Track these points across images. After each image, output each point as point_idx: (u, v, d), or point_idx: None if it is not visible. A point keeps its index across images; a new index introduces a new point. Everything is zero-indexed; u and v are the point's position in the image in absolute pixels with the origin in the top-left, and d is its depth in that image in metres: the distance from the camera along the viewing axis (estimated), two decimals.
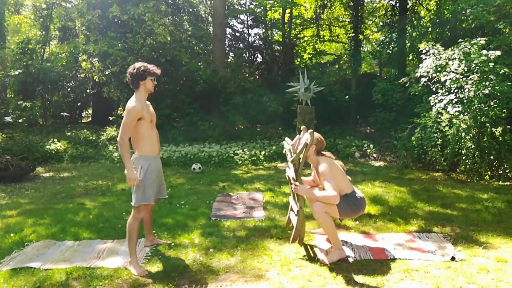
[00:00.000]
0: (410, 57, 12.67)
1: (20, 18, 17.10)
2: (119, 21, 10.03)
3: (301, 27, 16.78)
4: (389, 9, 13.98)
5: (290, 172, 3.44)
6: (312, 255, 3.26)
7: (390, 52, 12.94)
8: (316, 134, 3.34)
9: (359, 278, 2.82)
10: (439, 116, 6.45)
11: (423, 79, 6.78)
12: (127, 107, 3.03)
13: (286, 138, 3.84)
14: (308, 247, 3.43)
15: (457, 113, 6.08)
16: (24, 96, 10.93)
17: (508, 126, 5.75)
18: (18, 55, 11.96)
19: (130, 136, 3.02)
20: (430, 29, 10.92)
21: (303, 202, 3.32)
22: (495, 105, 5.74)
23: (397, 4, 13.17)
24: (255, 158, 8.13)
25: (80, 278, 2.90)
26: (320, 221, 3.15)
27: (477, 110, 5.75)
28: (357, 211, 3.27)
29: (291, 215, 3.65)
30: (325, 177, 3.13)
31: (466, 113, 5.94)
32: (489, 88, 5.62)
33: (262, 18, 15.86)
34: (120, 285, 2.80)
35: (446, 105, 6.24)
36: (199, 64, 11.42)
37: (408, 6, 12.94)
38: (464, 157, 5.95)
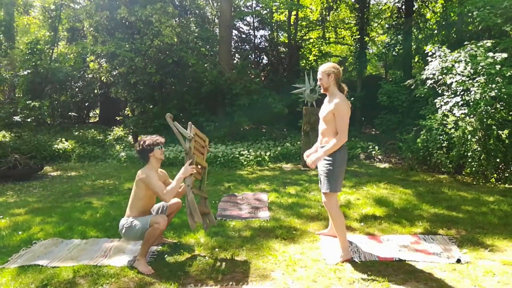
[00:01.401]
0: (416, 59, 12.64)
1: (29, 19, 17.31)
2: (127, 23, 10.11)
3: (307, 29, 16.80)
4: (395, 11, 13.94)
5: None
6: (317, 255, 3.27)
7: (396, 54, 12.92)
8: (330, 64, 3.23)
9: (364, 279, 2.82)
10: (445, 118, 6.42)
11: (429, 81, 6.76)
12: (139, 175, 3.12)
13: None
14: (313, 247, 3.44)
15: (463, 116, 6.05)
16: (33, 96, 11.05)
17: None
18: (27, 55, 12.11)
19: (162, 188, 3.08)
20: (436, 31, 10.89)
21: (190, 182, 3.17)
22: (502, 108, 5.71)
23: (403, 6, 13.14)
24: (260, 159, 8.15)
25: (87, 276, 2.94)
26: (332, 215, 3.17)
27: (483, 113, 5.72)
28: (342, 169, 3.22)
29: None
30: (341, 115, 3.07)
31: (472, 116, 5.91)
32: (496, 91, 5.59)
33: (268, 20, 15.90)
34: (127, 283, 2.83)
35: (452, 108, 6.21)
36: (206, 65, 11.47)
37: (414, 8, 12.90)
38: (470, 160, 5.92)
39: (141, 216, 3.17)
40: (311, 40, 16.96)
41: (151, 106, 10.60)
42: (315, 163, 3.19)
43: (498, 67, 5.59)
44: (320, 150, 3.23)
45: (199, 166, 3.33)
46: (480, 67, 5.77)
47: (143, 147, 3.15)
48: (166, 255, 3.31)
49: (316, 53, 16.41)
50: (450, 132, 6.25)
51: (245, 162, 7.95)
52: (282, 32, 17.07)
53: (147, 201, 3.21)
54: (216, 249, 3.41)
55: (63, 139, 9.94)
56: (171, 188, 3.08)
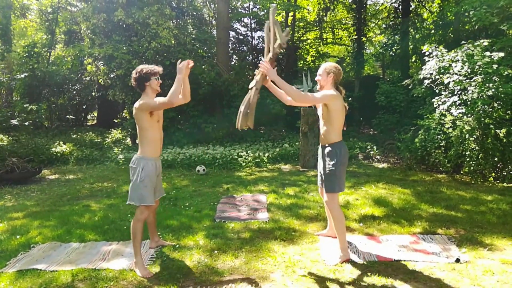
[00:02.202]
0: (413, 59, 12.68)
1: (26, 22, 17.29)
2: (124, 25, 10.11)
3: (304, 29, 16.84)
4: (392, 11, 13.99)
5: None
6: (316, 256, 3.26)
7: (393, 54, 12.95)
8: (333, 64, 3.26)
9: (363, 280, 2.82)
10: (443, 117, 6.43)
11: (426, 81, 6.78)
12: (139, 103, 3.06)
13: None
14: (312, 248, 3.44)
15: (460, 115, 6.06)
16: (30, 99, 11.05)
17: None
18: (24, 58, 12.09)
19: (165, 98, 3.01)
20: (433, 31, 10.92)
21: (261, 84, 3.13)
22: (499, 107, 5.73)
23: (400, 7, 13.18)
24: (258, 160, 8.15)
25: (85, 279, 2.93)
26: (334, 214, 3.17)
27: (481, 112, 5.74)
28: (344, 167, 3.23)
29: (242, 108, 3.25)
30: (323, 93, 3.08)
31: (469, 115, 5.92)
32: (493, 90, 5.60)
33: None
34: (126, 286, 2.82)
35: (450, 107, 6.23)
36: (203, 67, 11.48)
37: (411, 8, 12.94)
38: (468, 159, 5.93)
39: (154, 152, 3.12)
40: (309, 41, 17.00)
41: None
42: (268, 72, 3.09)
43: (495, 66, 5.61)
44: (320, 150, 3.26)
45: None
46: (477, 67, 5.78)
47: (140, 75, 3.09)
48: (165, 258, 3.29)
49: (314, 54, 16.46)
50: (448, 132, 6.26)
51: (244, 164, 7.94)
52: None
53: (155, 132, 3.13)
54: (215, 251, 3.40)
55: (61, 142, 9.92)
56: (172, 90, 2.98)
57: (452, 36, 10.11)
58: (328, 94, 3.11)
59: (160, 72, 3.18)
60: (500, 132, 5.65)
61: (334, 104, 3.13)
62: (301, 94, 3.15)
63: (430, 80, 6.68)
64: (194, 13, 14.06)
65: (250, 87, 3.16)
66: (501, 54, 5.70)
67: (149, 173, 3.09)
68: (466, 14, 7.49)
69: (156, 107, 3.06)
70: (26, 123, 8.66)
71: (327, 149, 3.22)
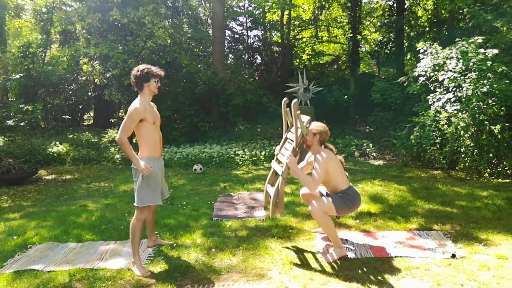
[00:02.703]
0: (408, 57, 12.72)
1: (21, 22, 17.19)
2: (119, 24, 10.07)
3: (300, 28, 16.85)
4: (387, 9, 14.03)
5: (283, 150, 3.45)
6: (313, 254, 3.28)
7: (388, 52, 13.01)
8: (319, 124, 3.34)
9: (360, 276, 2.84)
10: (438, 114, 6.47)
11: (421, 78, 6.81)
12: (129, 109, 3.04)
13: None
14: (309, 246, 3.45)
15: (455, 112, 6.10)
16: (26, 100, 10.97)
17: (507, 124, 5.76)
18: (19, 59, 12.01)
19: (128, 136, 3.02)
20: (427, 28, 10.97)
21: (287, 173, 3.26)
22: (494, 103, 5.77)
23: (395, 4, 13.22)
24: (255, 158, 8.16)
25: (83, 279, 2.93)
26: (319, 221, 3.17)
27: (476, 108, 5.78)
28: (352, 207, 3.30)
29: (268, 189, 3.52)
30: (318, 166, 3.16)
31: (464, 112, 5.96)
32: (487, 86, 5.64)
33: (261, 20, 15.91)
34: (123, 286, 2.83)
35: (445, 104, 6.26)
36: (199, 66, 11.46)
37: (405, 6, 12.98)
38: (463, 155, 5.97)
39: (154, 152, 3.12)
40: (304, 39, 17.01)
41: None
42: (289, 163, 3.23)
43: (489, 63, 5.64)
44: (297, 168, 3.27)
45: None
46: (471, 64, 5.82)
47: (141, 74, 3.07)
48: (163, 257, 3.30)
49: (309, 52, 16.47)
50: (443, 128, 6.30)
51: (241, 162, 7.95)
52: (275, 32, 17.10)
53: (151, 134, 3.12)
54: (213, 250, 3.41)
55: (57, 143, 9.88)
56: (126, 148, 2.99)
57: (446, 33, 10.15)
58: (324, 164, 3.16)
59: (161, 75, 3.16)
60: (495, 128, 5.69)
61: (330, 167, 3.21)
62: (311, 183, 3.16)
63: (425, 77, 6.71)
64: (190, 12, 14.02)
65: (279, 173, 3.30)
66: (495, 51, 5.74)
67: (153, 173, 3.06)
68: (460, 11, 7.53)
69: (124, 128, 3.01)
70: (22, 124, 8.61)
71: (339, 195, 3.27)
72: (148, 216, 3.34)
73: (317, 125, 3.33)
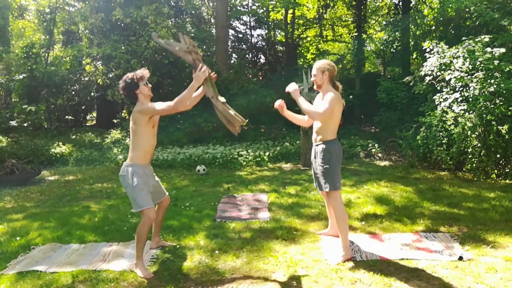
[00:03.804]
0: (414, 56, 12.62)
1: (24, 23, 17.25)
2: (122, 24, 10.08)
3: (304, 27, 16.80)
4: (392, 7, 13.95)
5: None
6: (318, 256, 3.23)
7: (394, 51, 12.91)
8: (325, 61, 3.23)
9: (365, 279, 2.80)
10: (444, 114, 6.40)
11: (428, 78, 6.74)
12: (136, 108, 2.98)
13: None
14: (314, 248, 3.41)
15: (462, 112, 6.03)
16: (29, 100, 11.01)
17: None
18: (23, 59, 12.06)
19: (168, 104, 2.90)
20: (433, 27, 10.87)
21: (211, 91, 3.09)
22: (501, 103, 5.69)
23: (400, 3, 13.15)
24: (259, 159, 8.12)
25: (86, 281, 2.90)
26: (338, 212, 3.14)
27: (483, 108, 5.70)
28: (338, 164, 3.21)
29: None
30: (328, 102, 3.05)
31: (471, 112, 5.89)
32: (495, 86, 5.57)
33: (265, 19, 15.88)
34: (126, 287, 2.80)
35: (451, 104, 6.19)
36: None
37: (411, 5, 12.89)
38: (470, 156, 5.90)
39: (144, 158, 3.05)
40: (309, 39, 16.96)
41: None
42: (293, 90, 3.19)
43: (496, 62, 5.57)
44: (313, 148, 3.24)
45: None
46: (478, 63, 5.75)
47: (126, 83, 2.94)
48: (166, 258, 3.27)
49: (314, 52, 16.41)
50: (449, 129, 6.23)
51: (244, 163, 7.92)
52: (279, 31, 17.06)
53: (149, 139, 3.05)
54: (216, 251, 3.37)
55: (60, 143, 9.89)
56: (183, 95, 2.83)
57: (453, 32, 10.06)
58: (333, 100, 3.07)
59: (147, 75, 3.03)
60: (502, 128, 5.61)
61: (336, 110, 3.11)
62: (317, 112, 3.09)
63: (431, 76, 6.64)
64: (193, 12, 14.02)
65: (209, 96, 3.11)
66: (502, 50, 5.66)
67: (141, 177, 3.02)
68: (467, 10, 7.46)
69: (159, 111, 2.95)
70: (25, 124, 8.64)
71: (321, 147, 3.19)
72: (158, 215, 3.32)
73: (322, 62, 3.22)
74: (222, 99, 3.21)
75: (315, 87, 3.29)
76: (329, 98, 3.08)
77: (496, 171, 5.88)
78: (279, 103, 3.42)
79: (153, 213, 3.05)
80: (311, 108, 3.14)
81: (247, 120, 3.29)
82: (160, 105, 2.94)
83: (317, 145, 3.25)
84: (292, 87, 3.25)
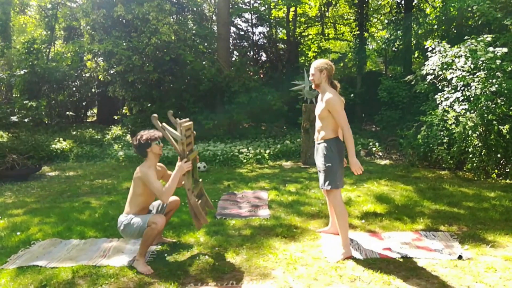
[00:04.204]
0: (416, 55, 12.57)
1: (26, 18, 17.23)
2: (124, 21, 10.05)
3: (306, 25, 16.73)
4: (394, 6, 13.88)
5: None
6: (318, 253, 3.24)
7: (396, 49, 12.84)
8: (323, 60, 3.22)
9: (365, 277, 2.80)
10: (446, 114, 6.39)
11: (429, 77, 6.73)
12: (138, 173, 3.09)
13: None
14: (314, 245, 3.41)
15: (463, 111, 6.02)
16: (30, 96, 11.00)
17: None
18: (24, 55, 12.04)
19: (162, 187, 3.04)
20: (436, 26, 10.82)
21: (189, 184, 3.17)
22: (502, 103, 5.68)
23: (402, 1, 13.07)
24: (259, 156, 8.12)
25: (86, 276, 2.91)
26: (337, 210, 3.15)
27: (484, 108, 5.69)
28: (340, 162, 3.23)
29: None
30: (336, 110, 3.05)
31: (472, 111, 5.88)
32: (496, 86, 5.56)
33: (267, 17, 15.83)
34: (126, 283, 2.81)
35: (453, 103, 6.18)
36: (204, 63, 11.42)
37: (413, 3, 12.84)
38: (470, 155, 5.90)
39: (140, 213, 3.14)
40: (310, 37, 16.91)
41: (149, 104, 10.54)
42: (359, 167, 3.15)
43: (498, 61, 5.56)
44: (349, 154, 3.19)
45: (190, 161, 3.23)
46: (480, 62, 5.73)
47: (140, 143, 3.11)
48: (166, 255, 3.28)
49: (315, 50, 16.36)
50: (450, 128, 6.22)
51: (245, 160, 7.92)
52: (280, 29, 17.00)
53: (146, 198, 3.17)
54: (216, 248, 3.38)
55: (61, 139, 9.89)
56: (168, 188, 3.04)
57: (455, 31, 10.01)
58: (335, 102, 3.07)
59: (160, 137, 3.16)
60: (503, 128, 5.61)
61: (338, 105, 3.10)
62: (346, 131, 3.10)
63: (433, 76, 6.63)
64: (194, 9, 13.96)
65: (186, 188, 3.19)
66: (505, 50, 5.65)
67: (142, 219, 3.06)
68: (469, 9, 7.43)
69: (153, 189, 3.03)
70: (26, 120, 8.62)
71: (322, 145, 3.20)
72: (166, 216, 3.36)
73: (320, 62, 3.22)
74: (198, 182, 3.39)
75: (313, 86, 3.29)
76: (330, 105, 3.08)
77: (496, 170, 5.88)
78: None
79: (159, 217, 3.04)
80: (346, 138, 3.11)
81: (208, 222, 3.43)
82: (156, 186, 3.02)
83: (319, 143, 3.26)
84: (355, 167, 3.16)
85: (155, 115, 3.11)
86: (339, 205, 3.18)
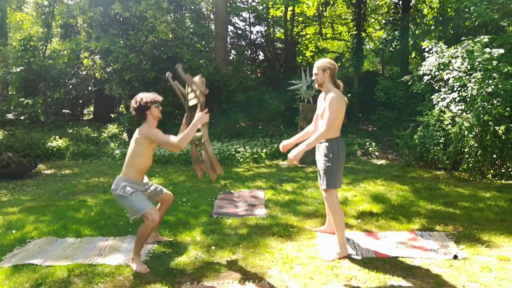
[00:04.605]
0: (413, 55, 12.64)
1: (22, 15, 17.11)
2: (121, 18, 10.01)
3: (303, 24, 16.76)
4: (392, 6, 13.93)
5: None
6: (314, 253, 3.25)
7: (393, 50, 12.90)
8: (326, 60, 3.21)
9: (361, 276, 2.81)
10: (442, 114, 6.42)
11: (426, 77, 6.75)
12: (143, 131, 3.06)
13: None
14: (310, 245, 3.42)
15: (460, 112, 6.05)
16: (26, 93, 10.93)
17: (511, 125, 5.72)
18: (20, 52, 11.96)
19: (169, 138, 3.00)
20: (433, 27, 10.87)
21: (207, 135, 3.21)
22: (498, 104, 5.70)
23: (400, 2, 13.12)
24: (256, 156, 8.13)
25: (81, 275, 2.90)
26: (333, 210, 3.15)
27: (480, 109, 5.72)
28: (341, 164, 3.21)
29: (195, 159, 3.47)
30: (330, 109, 3.03)
31: (469, 112, 5.91)
32: (492, 87, 5.58)
33: (264, 16, 15.82)
34: (122, 282, 2.80)
35: (449, 104, 6.21)
36: (201, 61, 11.39)
37: (411, 4, 12.89)
38: (466, 156, 5.93)
39: (137, 177, 3.08)
40: (308, 36, 16.92)
41: None
42: (296, 158, 3.09)
43: (494, 62, 5.58)
44: (302, 144, 3.15)
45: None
46: (477, 63, 5.75)
47: (140, 105, 3.06)
48: (162, 254, 3.27)
49: (313, 49, 16.38)
50: (447, 128, 6.24)
51: (242, 159, 7.92)
52: (278, 28, 17.01)
53: (146, 160, 3.11)
54: (212, 247, 3.38)
55: (57, 137, 9.85)
56: (186, 135, 2.98)
57: (452, 32, 10.06)
58: (335, 103, 3.05)
59: (160, 100, 3.14)
60: (499, 129, 5.63)
61: (339, 107, 3.10)
62: (320, 132, 3.05)
63: (430, 76, 6.65)
64: (192, 7, 13.92)
65: (202, 141, 3.21)
66: (501, 51, 5.67)
67: (132, 186, 3.02)
68: (467, 10, 7.46)
69: (163, 143, 3.02)
70: (22, 118, 8.56)
71: (324, 145, 3.19)
72: (160, 210, 3.33)
73: (323, 61, 3.20)
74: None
75: (316, 85, 3.28)
76: (330, 102, 3.06)
77: (492, 171, 5.91)
78: (283, 147, 3.39)
79: (156, 214, 3.01)
80: (316, 135, 3.05)
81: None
82: (165, 138, 3.01)
83: (320, 142, 3.24)
84: (293, 154, 3.10)
85: (179, 64, 3.11)
86: (334, 204, 3.18)
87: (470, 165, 5.88)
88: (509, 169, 5.83)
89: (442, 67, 6.31)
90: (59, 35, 15.47)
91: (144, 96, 3.09)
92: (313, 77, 3.25)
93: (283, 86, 10.64)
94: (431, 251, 3.20)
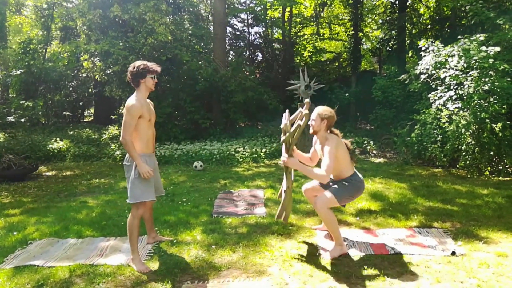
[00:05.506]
0: (410, 54, 12.68)
1: (22, 18, 17.14)
2: (120, 21, 10.04)
3: (301, 25, 16.79)
4: (389, 6, 13.96)
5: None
6: (313, 250, 3.28)
7: (390, 49, 12.96)
8: (327, 109, 3.25)
9: (360, 273, 2.84)
10: (439, 112, 6.45)
11: (423, 76, 6.79)
12: (126, 105, 3.01)
13: (286, 111, 3.56)
14: (310, 242, 3.45)
15: (456, 110, 6.09)
16: (26, 96, 10.97)
17: (508, 122, 5.75)
18: (20, 55, 11.99)
19: (131, 134, 2.98)
20: (429, 26, 10.92)
21: (291, 182, 3.22)
22: (495, 101, 5.74)
23: (397, 2, 13.16)
24: (256, 155, 8.16)
25: (83, 275, 2.93)
26: (323, 216, 3.16)
27: (477, 106, 5.76)
28: (355, 195, 3.27)
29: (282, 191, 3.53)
30: (328, 155, 3.08)
31: (465, 109, 5.94)
32: (489, 84, 5.62)
33: (262, 17, 15.87)
34: (123, 282, 2.83)
35: (446, 102, 6.25)
36: (200, 63, 11.43)
37: (407, 3, 12.92)
38: (464, 153, 5.96)
39: (146, 149, 3.09)
40: (306, 37, 16.97)
41: None
42: (287, 164, 3.15)
43: (491, 61, 5.62)
44: (303, 165, 3.19)
45: None
46: (473, 61, 5.80)
47: (137, 70, 3.05)
48: (163, 253, 3.30)
49: (311, 49, 16.42)
50: (444, 126, 6.28)
51: (241, 159, 7.95)
52: (276, 29, 17.06)
53: (144, 130, 3.07)
54: (213, 246, 3.41)
55: (58, 139, 9.88)
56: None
57: (448, 31, 10.12)
58: (334, 153, 3.09)
59: (158, 71, 3.12)
60: (496, 126, 5.67)
61: (338, 154, 3.15)
62: (321, 173, 3.05)
63: (427, 75, 6.69)
64: (191, 9, 13.96)
65: (285, 188, 3.22)
66: (497, 49, 5.71)
67: (144, 159, 3.04)
68: (463, 9, 7.50)
69: (124, 127, 2.95)
70: (23, 120, 8.60)
71: (342, 181, 3.23)
72: (145, 213, 3.33)
73: (323, 110, 3.24)
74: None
75: (311, 131, 3.30)
76: (328, 153, 3.08)
77: (489, 168, 5.95)
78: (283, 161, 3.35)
79: (143, 207, 3.07)
80: (317, 172, 3.06)
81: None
82: (127, 127, 2.95)
83: (336, 181, 3.29)
84: (289, 161, 3.14)
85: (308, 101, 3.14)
86: (324, 212, 3.14)
87: (468, 162, 5.92)
88: (506, 166, 5.87)
89: (438, 65, 6.35)
90: (59, 38, 15.51)
91: (143, 64, 3.07)
92: (310, 122, 3.26)
93: (281, 86, 10.69)
94: (429, 248, 3.24)
